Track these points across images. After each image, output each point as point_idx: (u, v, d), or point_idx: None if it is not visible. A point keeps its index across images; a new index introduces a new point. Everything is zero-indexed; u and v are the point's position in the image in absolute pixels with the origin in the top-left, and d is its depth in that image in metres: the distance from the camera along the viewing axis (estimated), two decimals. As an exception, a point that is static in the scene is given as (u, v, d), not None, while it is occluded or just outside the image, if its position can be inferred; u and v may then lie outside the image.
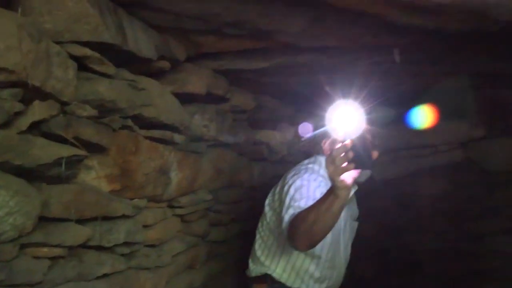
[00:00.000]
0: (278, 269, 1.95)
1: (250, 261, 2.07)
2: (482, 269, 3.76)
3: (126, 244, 1.78)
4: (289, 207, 1.74)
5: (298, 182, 1.83)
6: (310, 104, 3.08)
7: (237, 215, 2.74)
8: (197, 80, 2.03)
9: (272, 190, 2.07)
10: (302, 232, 1.59)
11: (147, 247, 1.97)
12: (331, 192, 1.49)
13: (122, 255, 1.79)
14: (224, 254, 2.70)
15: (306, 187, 1.79)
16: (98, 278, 1.60)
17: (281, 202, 1.85)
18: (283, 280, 1.94)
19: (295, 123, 3.21)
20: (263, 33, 1.70)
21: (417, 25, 1.60)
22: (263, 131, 2.86)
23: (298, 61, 1.99)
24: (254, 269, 2.03)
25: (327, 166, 1.45)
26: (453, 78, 2.40)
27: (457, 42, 1.80)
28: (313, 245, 1.62)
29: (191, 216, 2.26)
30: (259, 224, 2.08)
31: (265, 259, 1.98)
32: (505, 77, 2.38)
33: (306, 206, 1.65)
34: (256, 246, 2.03)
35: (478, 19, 1.54)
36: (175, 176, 2.01)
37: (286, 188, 1.87)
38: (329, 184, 1.70)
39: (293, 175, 1.93)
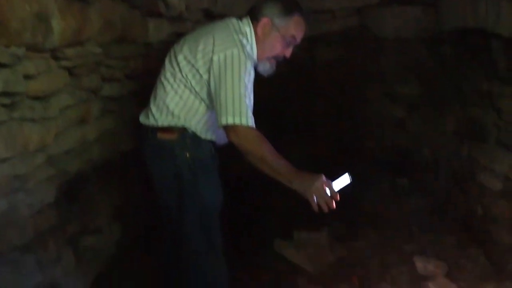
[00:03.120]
0: (193, 122, 1.96)
1: (154, 111, 2.00)
2: (365, 129, 4.19)
3: (6, 94, 1.70)
4: (237, 102, 1.79)
5: (240, 69, 1.82)
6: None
7: (131, 71, 2.68)
8: None
9: (189, 43, 1.96)
10: (252, 154, 1.81)
11: (32, 99, 1.90)
12: (294, 177, 1.79)
13: (3, 106, 1.73)
14: (119, 111, 2.70)
15: (248, 79, 1.85)
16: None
17: (213, 71, 1.84)
18: (197, 132, 1.97)
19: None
20: None
21: None
22: (159, -17, 2.69)
23: None
24: (163, 120, 1.98)
25: (314, 187, 1.77)
26: None
27: None
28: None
29: (80, 70, 2.17)
30: (168, 75, 1.98)
31: (180, 112, 1.96)
32: None
33: (251, 104, 1.85)
34: (168, 99, 1.97)
35: None
36: (57, 25, 1.87)
37: (220, 58, 1.83)
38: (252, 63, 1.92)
39: (226, 44, 1.86)
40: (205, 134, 1.99)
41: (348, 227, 3.24)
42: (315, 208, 1.80)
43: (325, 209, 1.79)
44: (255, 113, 1.88)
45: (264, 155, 1.82)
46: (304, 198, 1.81)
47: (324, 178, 1.81)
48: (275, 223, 3.29)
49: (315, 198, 1.78)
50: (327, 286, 2.68)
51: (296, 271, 2.83)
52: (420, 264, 2.76)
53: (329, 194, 1.79)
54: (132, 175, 2.76)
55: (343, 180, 1.84)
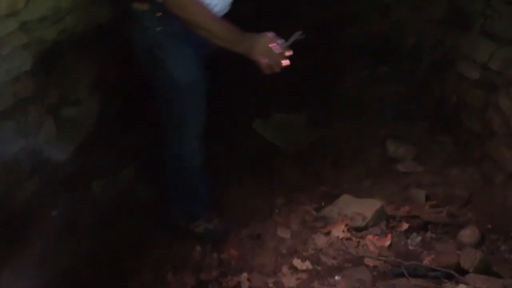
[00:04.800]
0: None
1: None
2: (351, 14, 4.08)
3: None
4: None
5: None
6: None
7: None
8: None
9: None
10: (185, 19, 1.70)
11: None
12: (237, 40, 1.67)
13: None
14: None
15: None
16: None
17: None
18: None
19: None
20: None
21: None
22: None
23: None
24: None
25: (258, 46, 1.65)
26: None
27: None
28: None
29: None
30: None
31: None
32: None
33: None
34: None
35: None
36: None
37: None
38: None
39: None
40: None
41: (325, 111, 3.31)
42: (266, 70, 1.69)
43: (277, 68, 1.68)
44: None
45: (196, 19, 1.70)
46: (260, 67, 1.70)
47: (270, 35, 1.68)
48: (255, 104, 3.33)
49: (262, 59, 1.67)
50: (301, 165, 2.81)
51: (273, 150, 2.94)
52: (392, 147, 2.90)
53: (279, 51, 1.65)
54: (111, 49, 2.69)
55: (295, 36, 1.70)
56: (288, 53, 1.67)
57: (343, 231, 2.16)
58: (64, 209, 2.21)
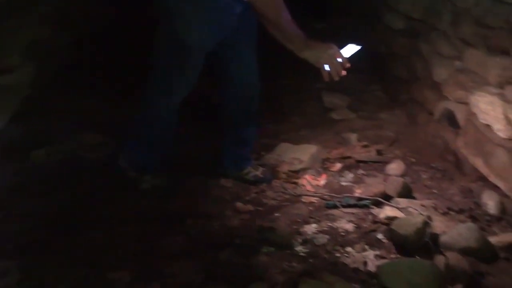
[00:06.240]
0: None
1: None
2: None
3: None
4: None
5: None
6: None
7: None
8: None
9: None
10: (267, 18, 1.79)
11: None
12: (306, 46, 1.79)
13: None
14: None
15: None
16: None
17: None
18: None
19: None
20: None
21: None
22: None
23: None
24: None
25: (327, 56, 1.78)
26: None
27: None
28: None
29: None
30: None
31: None
32: None
33: None
34: None
35: None
36: None
37: None
38: None
39: None
40: None
41: (264, 67, 3.39)
42: (326, 77, 1.84)
43: (336, 78, 1.83)
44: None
45: (278, 21, 1.79)
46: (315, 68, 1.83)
47: (336, 47, 1.83)
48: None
49: (326, 67, 1.81)
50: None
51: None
52: (327, 99, 3.06)
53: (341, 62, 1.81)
54: (42, 13, 2.64)
55: (352, 48, 1.85)
56: (347, 65, 1.82)
57: (282, 176, 2.29)
58: (6, 176, 2.20)
